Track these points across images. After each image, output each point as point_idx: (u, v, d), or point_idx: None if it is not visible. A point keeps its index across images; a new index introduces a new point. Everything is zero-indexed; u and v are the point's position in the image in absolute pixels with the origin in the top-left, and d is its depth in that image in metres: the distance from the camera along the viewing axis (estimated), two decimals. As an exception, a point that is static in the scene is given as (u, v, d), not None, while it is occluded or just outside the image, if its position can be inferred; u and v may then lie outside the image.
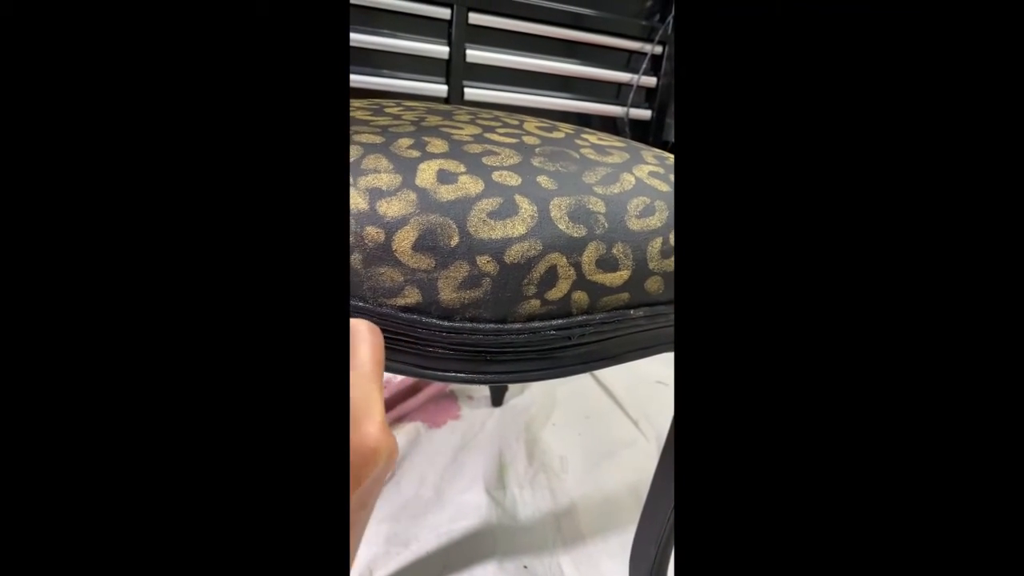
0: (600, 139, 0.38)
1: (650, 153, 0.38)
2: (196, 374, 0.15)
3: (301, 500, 0.15)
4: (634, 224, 0.31)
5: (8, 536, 0.14)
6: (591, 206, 0.30)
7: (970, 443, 0.14)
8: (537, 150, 0.33)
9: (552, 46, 1.19)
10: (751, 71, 0.16)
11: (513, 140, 0.34)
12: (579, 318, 0.31)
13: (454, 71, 1.11)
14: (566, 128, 0.40)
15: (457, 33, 1.09)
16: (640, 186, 0.33)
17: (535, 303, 0.30)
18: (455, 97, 1.13)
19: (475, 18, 1.10)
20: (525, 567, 0.58)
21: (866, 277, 0.15)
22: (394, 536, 0.60)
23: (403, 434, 0.77)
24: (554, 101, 1.22)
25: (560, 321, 0.31)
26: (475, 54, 1.12)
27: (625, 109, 1.27)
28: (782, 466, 0.15)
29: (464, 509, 0.64)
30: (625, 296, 0.32)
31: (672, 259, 0.32)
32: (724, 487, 0.15)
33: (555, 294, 0.30)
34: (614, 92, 1.29)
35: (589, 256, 0.30)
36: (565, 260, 0.29)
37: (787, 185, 0.16)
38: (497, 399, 0.89)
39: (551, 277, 0.29)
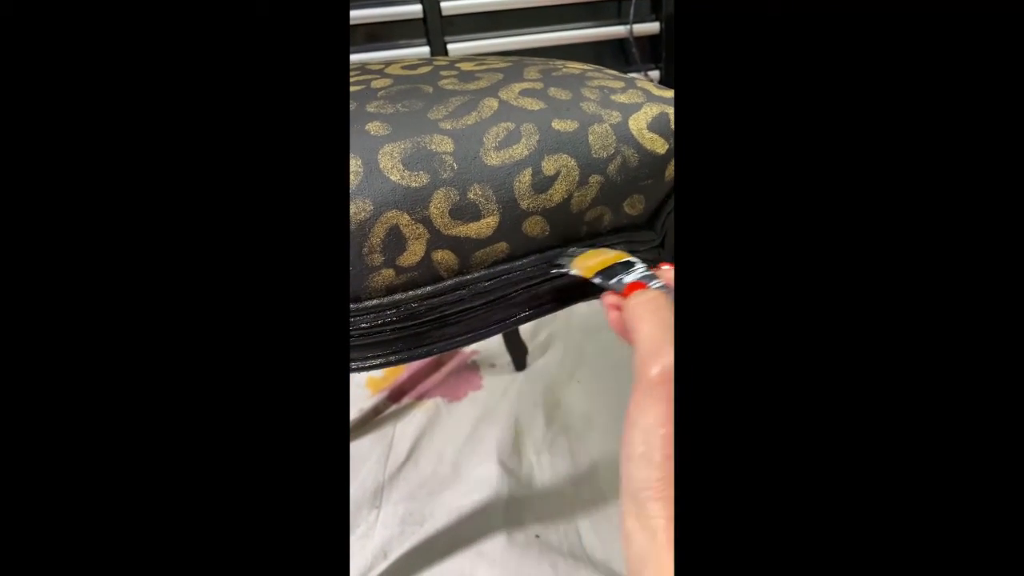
0: (484, 64, 0.32)
1: (537, 68, 0.31)
2: (197, 371, 0.16)
3: (301, 499, 0.16)
4: (492, 158, 0.26)
5: (9, 536, 0.14)
6: (433, 146, 0.25)
7: (968, 442, 0.14)
8: (380, 93, 0.28)
9: (533, -25, 1.08)
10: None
11: (356, 88, 0.29)
12: (450, 281, 0.27)
13: (432, 28, 1.05)
14: (469, 59, 0.34)
15: (426, -14, 1.02)
16: (504, 110, 0.27)
17: (388, 273, 0.26)
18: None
19: (442, -35, 1.02)
20: (537, 536, 0.55)
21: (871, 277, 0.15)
22: (409, 516, 0.60)
23: (423, 411, 0.77)
24: (548, 36, 1.12)
25: (429, 288, 0.27)
26: (451, 4, 1.05)
27: (628, 27, 1.14)
28: (781, 467, 0.15)
29: (477, 483, 0.62)
30: (503, 246, 0.27)
31: (551, 192, 0.26)
32: (725, 487, 0.15)
33: (409, 258, 0.25)
34: (614, 11, 1.16)
35: (438, 207, 0.25)
36: (408, 217, 0.25)
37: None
38: (519, 363, 0.86)
39: (396, 239, 0.25)
